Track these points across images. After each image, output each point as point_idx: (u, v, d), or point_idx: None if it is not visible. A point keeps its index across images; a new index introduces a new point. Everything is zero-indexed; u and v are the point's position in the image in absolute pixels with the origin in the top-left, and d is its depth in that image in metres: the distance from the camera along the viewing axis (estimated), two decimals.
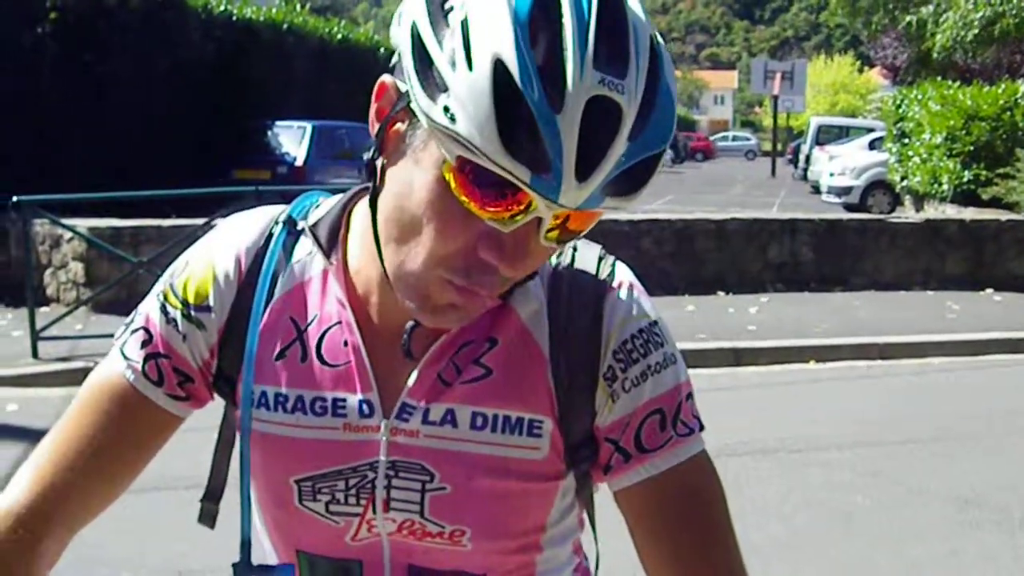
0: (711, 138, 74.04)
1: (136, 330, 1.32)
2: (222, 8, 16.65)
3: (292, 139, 16.24)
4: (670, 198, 26.31)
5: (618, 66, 1.00)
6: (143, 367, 1.30)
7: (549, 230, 1.06)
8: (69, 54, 13.02)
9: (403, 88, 1.07)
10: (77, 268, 10.44)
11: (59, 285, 10.71)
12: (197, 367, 1.31)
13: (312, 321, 1.27)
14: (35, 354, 8.57)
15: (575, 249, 1.30)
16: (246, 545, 1.33)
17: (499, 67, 0.97)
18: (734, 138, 78.62)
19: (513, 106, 0.97)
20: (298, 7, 20.10)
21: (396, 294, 1.15)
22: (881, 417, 7.38)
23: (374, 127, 1.13)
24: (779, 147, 44.20)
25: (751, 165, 55.32)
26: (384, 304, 1.22)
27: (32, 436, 6.62)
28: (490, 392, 1.23)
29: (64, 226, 9.72)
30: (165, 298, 1.31)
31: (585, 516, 1.39)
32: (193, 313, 1.29)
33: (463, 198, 1.03)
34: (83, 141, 12.93)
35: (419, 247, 1.09)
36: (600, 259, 1.30)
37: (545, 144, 0.97)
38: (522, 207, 1.02)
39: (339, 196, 1.32)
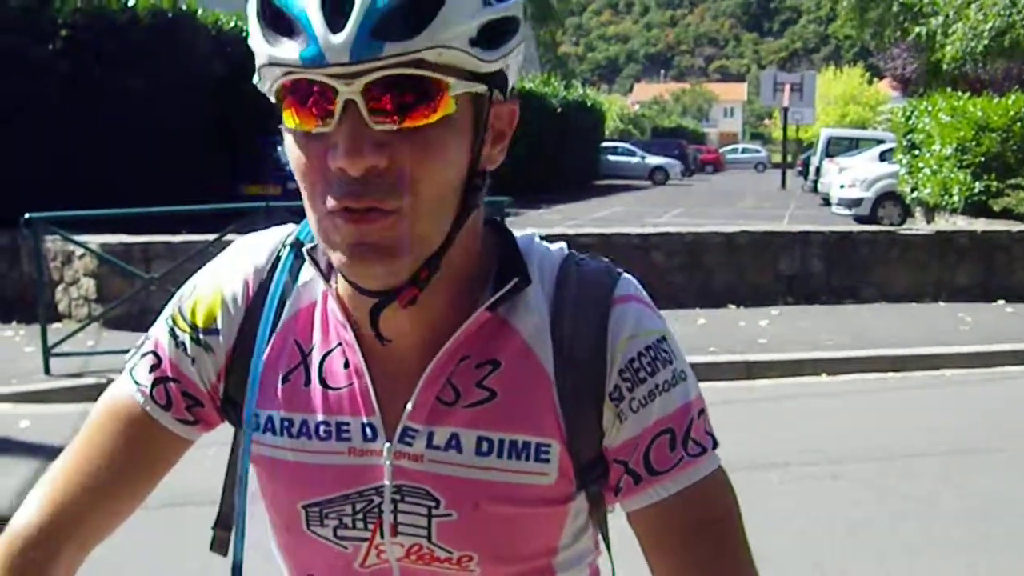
0: (720, 150, 74.07)
1: (145, 354, 1.32)
2: (232, 24, 16.68)
3: None
4: (679, 211, 26.33)
5: None
6: (152, 391, 1.29)
7: (370, 113, 1.02)
8: (79, 70, 13.06)
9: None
10: (89, 284, 10.47)
11: (71, 301, 10.74)
12: (206, 391, 1.30)
13: (315, 345, 1.26)
14: (47, 370, 8.59)
15: (579, 263, 1.26)
16: (237, 570, 1.33)
17: None
18: (744, 150, 78.64)
19: (267, 9, 1.04)
20: None
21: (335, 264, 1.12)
22: (894, 430, 7.35)
23: None
24: (789, 159, 44.16)
25: (761, 177, 55.27)
26: (387, 325, 1.18)
27: (44, 452, 6.65)
28: (495, 416, 1.20)
29: (76, 242, 9.76)
30: (174, 322, 1.31)
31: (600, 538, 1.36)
32: (202, 336, 1.29)
33: (291, 121, 1.07)
34: (94, 157, 12.96)
35: (305, 191, 1.10)
36: (606, 272, 1.26)
37: (293, 18, 1.01)
38: (328, 103, 1.03)
39: None
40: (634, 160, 46.90)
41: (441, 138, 1.05)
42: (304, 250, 1.24)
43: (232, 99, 15.71)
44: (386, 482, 1.22)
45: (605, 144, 45.64)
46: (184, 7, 15.19)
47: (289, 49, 1.01)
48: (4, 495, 5.87)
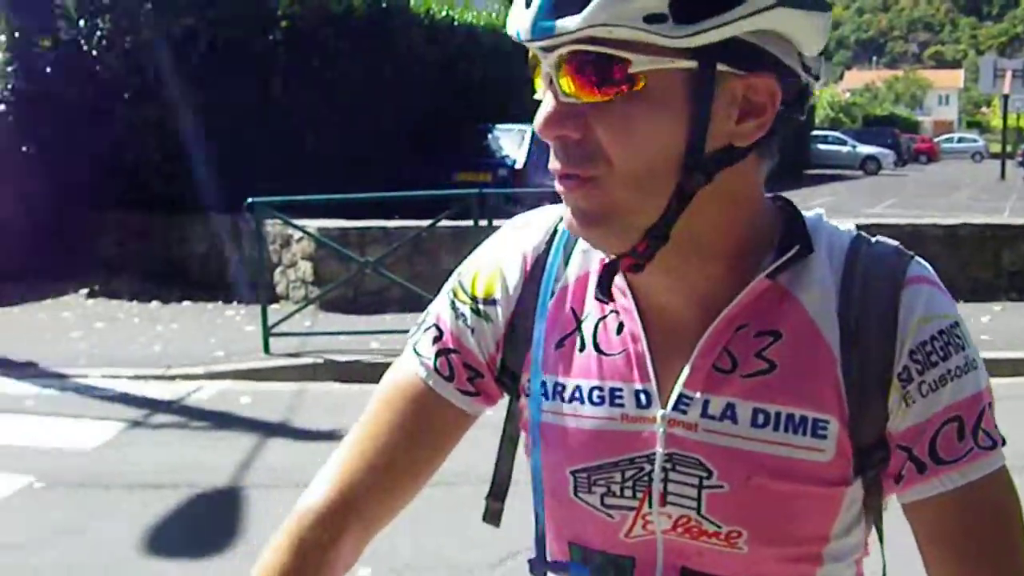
0: (935, 140, 71.65)
1: (428, 328, 1.35)
2: (444, 14, 16.93)
3: (512, 142, 16.39)
4: (893, 202, 25.60)
5: None
6: (435, 363, 1.32)
7: (560, 87, 1.07)
8: (299, 61, 13.45)
9: None
10: (306, 267, 10.79)
11: (288, 283, 11.09)
12: (484, 361, 1.32)
13: (590, 312, 1.26)
14: (266, 349, 8.89)
15: (870, 242, 1.23)
16: (541, 540, 1.32)
17: None
18: (960, 139, 75.89)
19: None
20: None
21: None
22: None
23: None
24: (1009, 149, 42.39)
25: (978, 168, 53.25)
26: (656, 292, 1.19)
27: (263, 428, 6.90)
28: (773, 388, 1.16)
29: (295, 226, 10.06)
30: (454, 295, 1.34)
31: (872, 538, 1.31)
32: (481, 307, 1.31)
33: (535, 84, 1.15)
34: (312, 145, 13.36)
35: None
36: (898, 253, 1.22)
37: None
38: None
39: None
40: (845, 149, 45.87)
41: (632, 113, 1.05)
42: None
43: (444, 88, 15.98)
44: (658, 450, 1.20)
45: (815, 133, 44.73)
46: None
47: (518, 21, 1.07)
48: (226, 467, 6.12)
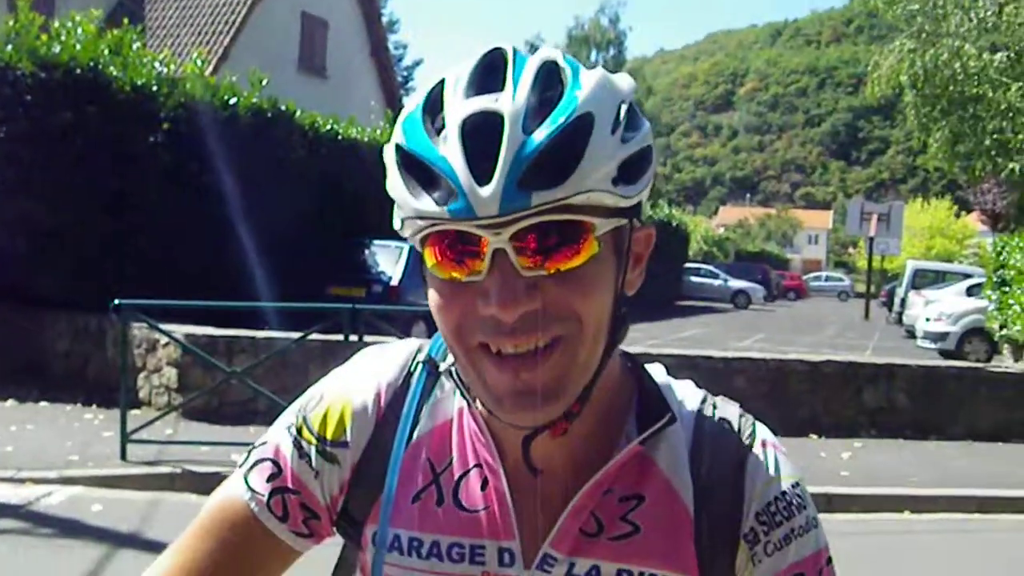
0: (804, 277, 73.67)
1: (263, 460, 1.29)
2: (328, 127, 17.01)
3: (389, 259, 16.39)
4: (761, 336, 26.11)
5: (492, 87, 1.06)
6: (268, 501, 1.27)
7: (520, 261, 1.04)
8: (179, 163, 13.35)
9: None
10: (171, 373, 10.57)
11: (152, 389, 10.84)
12: (324, 504, 1.28)
13: (449, 463, 1.25)
14: (124, 456, 8.62)
15: (715, 406, 1.28)
16: None
17: (399, 142, 1.09)
18: (827, 278, 78.36)
19: (407, 162, 1.07)
20: None
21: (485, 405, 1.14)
22: (977, 573, 7.11)
23: None
24: (873, 289, 43.76)
25: (844, 306, 54.83)
26: (519, 448, 1.17)
27: (114, 538, 6.66)
28: (638, 550, 1.19)
29: (161, 331, 9.86)
30: (299, 432, 1.29)
31: None
32: (329, 449, 1.27)
33: (435, 268, 1.08)
34: (185, 248, 13.19)
35: (453, 344, 1.12)
36: (740, 416, 1.28)
37: (438, 172, 1.02)
38: (477, 250, 1.04)
39: None
40: (717, 282, 46.84)
41: (591, 273, 1.07)
42: (448, 369, 1.23)
43: (323, 201, 15.98)
44: None
45: (688, 265, 45.64)
46: (283, 108, 15.48)
47: (435, 201, 1.03)
48: None
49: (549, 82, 1.06)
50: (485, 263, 1.04)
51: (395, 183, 1.08)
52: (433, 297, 1.10)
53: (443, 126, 1.05)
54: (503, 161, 1.00)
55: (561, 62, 1.09)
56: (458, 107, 1.04)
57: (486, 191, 0.99)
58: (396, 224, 1.12)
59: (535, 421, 1.09)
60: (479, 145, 1.01)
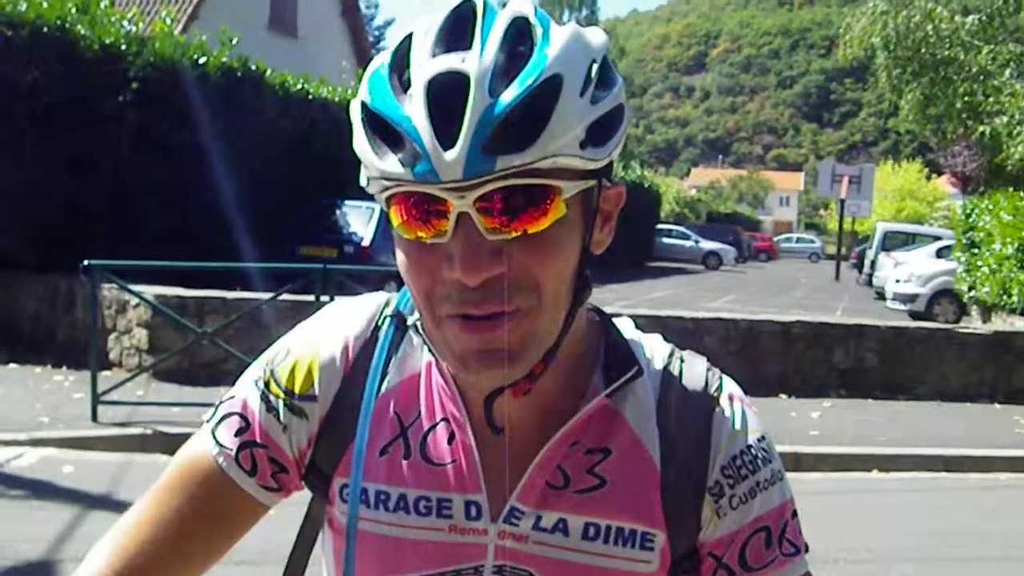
0: (775, 239, 73.92)
1: (230, 414, 1.29)
2: (299, 87, 16.89)
3: (360, 219, 16.33)
4: (732, 297, 26.21)
5: (459, 44, 1.04)
6: (237, 455, 1.27)
7: (485, 224, 1.03)
8: (148, 123, 13.23)
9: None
10: (141, 335, 10.53)
11: (122, 350, 10.80)
12: (293, 458, 1.28)
13: (416, 418, 1.25)
14: (94, 417, 8.60)
15: (682, 360, 1.29)
16: None
17: (362, 102, 1.07)
18: (798, 240, 78.61)
19: (372, 120, 1.05)
20: None
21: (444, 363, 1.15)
22: (946, 531, 7.19)
23: None
24: (844, 251, 43.96)
25: (814, 268, 55.06)
26: (499, 404, 1.17)
27: (85, 499, 6.65)
28: (604, 503, 1.20)
29: (131, 292, 9.81)
30: (267, 386, 1.28)
31: None
32: (296, 402, 1.26)
33: (403, 231, 1.07)
34: (156, 209, 13.08)
35: (418, 300, 1.11)
36: (707, 371, 1.29)
37: (402, 133, 1.01)
38: (441, 213, 1.03)
39: None
40: (688, 244, 46.92)
41: (556, 236, 1.06)
42: (412, 323, 1.24)
43: (294, 161, 15.88)
44: (487, 561, 1.21)
45: (660, 226, 45.70)
46: (253, 67, 15.35)
47: (399, 163, 1.02)
48: (43, 540, 5.88)
49: (518, 39, 1.05)
50: (450, 225, 1.03)
51: (360, 142, 1.07)
52: (400, 257, 1.10)
53: (409, 84, 1.03)
54: (468, 124, 0.98)
55: (532, 18, 1.07)
56: (425, 66, 1.03)
57: (450, 155, 0.99)
58: (363, 182, 1.11)
59: (498, 381, 1.10)
60: (444, 107, 0.99)
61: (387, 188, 1.06)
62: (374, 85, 1.06)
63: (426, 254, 1.06)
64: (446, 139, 0.99)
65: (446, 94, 1.00)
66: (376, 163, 1.04)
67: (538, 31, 1.06)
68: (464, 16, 1.06)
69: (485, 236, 1.03)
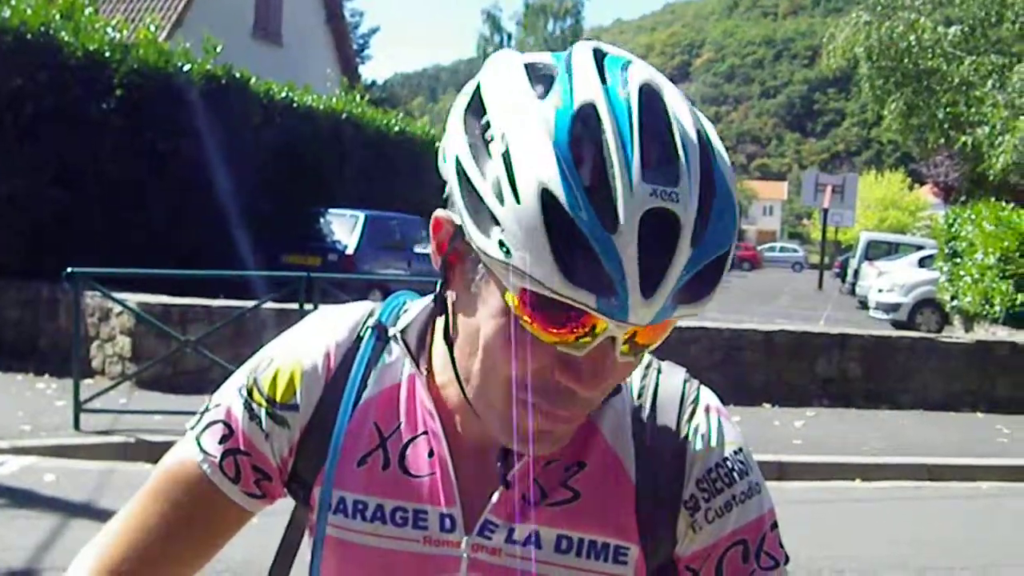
0: (758, 248, 74.10)
1: (215, 422, 1.29)
2: (284, 94, 16.85)
3: (344, 227, 16.33)
4: (715, 306, 26.18)
5: (668, 175, 0.97)
6: (220, 462, 1.27)
7: (623, 350, 1.03)
8: (132, 130, 13.20)
9: (457, 222, 1.06)
10: (124, 342, 10.49)
11: (105, 358, 10.76)
12: (276, 465, 1.28)
13: (396, 429, 1.25)
14: (76, 425, 8.57)
15: (659, 371, 1.29)
16: None
17: (546, 196, 0.95)
18: (781, 249, 78.80)
19: (567, 233, 0.95)
20: (357, 98, 20.33)
21: (484, 424, 1.14)
22: (929, 540, 7.21)
23: (436, 261, 1.12)
24: (826, 260, 44.07)
25: (798, 277, 55.20)
26: (469, 418, 1.19)
27: (67, 508, 6.61)
28: (577, 516, 1.21)
29: (114, 299, 9.78)
30: (249, 394, 1.28)
31: None
32: (278, 411, 1.27)
33: (530, 326, 1.01)
34: (140, 216, 13.05)
35: (497, 377, 1.07)
36: (685, 382, 1.28)
37: (605, 266, 0.95)
38: (587, 328, 0.99)
39: (427, 300, 1.30)
40: None
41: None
42: (396, 335, 1.25)
43: (278, 169, 15.85)
44: (461, 574, 1.22)
45: None
46: (238, 75, 15.32)
47: (586, 295, 0.96)
48: (25, 549, 5.84)
49: (704, 163, 1.01)
50: (593, 343, 1.01)
51: (537, 238, 0.96)
52: (492, 331, 1.06)
53: (615, 207, 0.94)
54: (671, 278, 0.97)
55: (707, 127, 1.05)
56: (636, 195, 0.95)
57: (647, 305, 0.96)
58: (488, 247, 1.00)
59: (532, 454, 1.12)
60: (653, 252, 0.95)
61: (532, 288, 0.98)
62: (570, 189, 0.95)
63: (538, 349, 1.03)
64: (648, 288, 0.96)
65: (657, 237, 0.95)
66: (556, 277, 0.96)
67: (720, 162, 1.04)
68: (659, 126, 1.00)
69: (618, 358, 1.03)
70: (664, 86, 1.03)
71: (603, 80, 1.00)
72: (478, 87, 1.05)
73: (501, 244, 0.97)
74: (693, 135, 1.01)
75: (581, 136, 0.97)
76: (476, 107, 1.04)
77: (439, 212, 1.10)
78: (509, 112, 1.00)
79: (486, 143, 1.01)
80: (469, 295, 1.08)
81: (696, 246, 0.98)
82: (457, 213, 1.04)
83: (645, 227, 0.94)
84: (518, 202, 0.96)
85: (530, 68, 1.04)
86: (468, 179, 1.01)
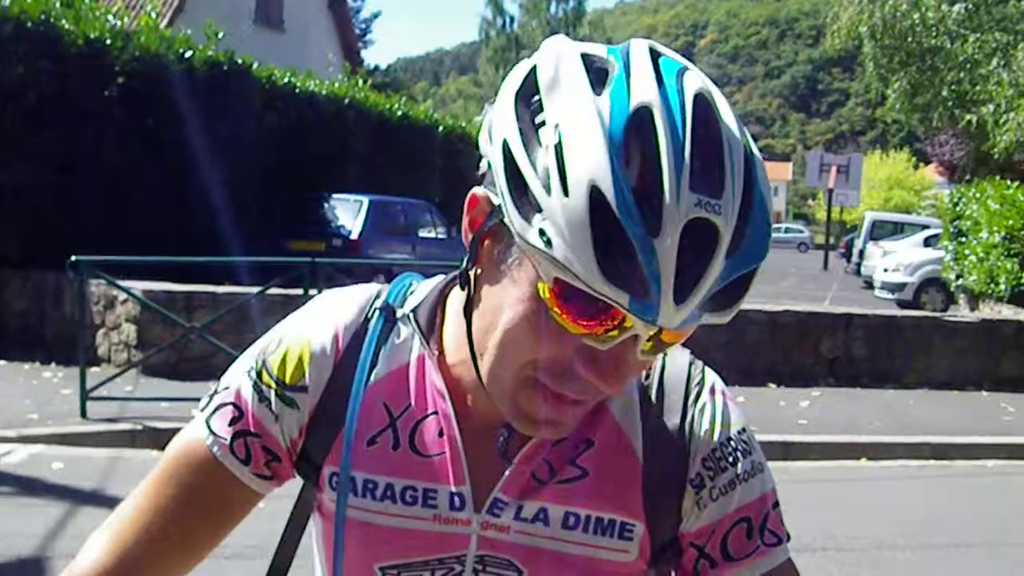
0: None
1: (225, 404, 1.30)
2: (286, 80, 16.83)
3: (348, 212, 16.32)
4: None
5: (714, 186, 0.99)
6: (231, 444, 1.28)
7: (644, 348, 1.05)
8: (134, 119, 13.20)
9: (495, 202, 1.06)
10: (130, 330, 10.51)
11: (111, 346, 10.78)
12: (285, 447, 1.29)
13: (406, 409, 1.26)
14: (83, 413, 8.60)
15: (665, 352, 1.26)
16: None
17: (595, 193, 0.96)
18: (787, 230, 78.52)
19: (610, 232, 0.96)
20: (360, 83, 20.31)
21: (494, 401, 1.15)
22: (933, 518, 7.22)
23: (467, 236, 1.13)
24: (832, 240, 43.99)
25: (803, 257, 55.07)
26: (479, 397, 1.21)
27: (75, 496, 6.63)
28: (585, 493, 1.23)
29: (119, 287, 9.80)
30: (259, 376, 1.29)
31: None
32: (288, 393, 1.28)
33: (559, 316, 1.02)
34: (143, 204, 13.07)
35: (512, 359, 1.09)
36: (690, 364, 1.31)
37: (643, 269, 0.96)
38: (615, 323, 1.00)
39: (434, 281, 1.31)
40: None
41: None
42: (407, 315, 1.27)
43: (281, 154, 15.84)
44: (471, 551, 1.24)
45: None
46: (239, 61, 15.30)
47: (621, 295, 0.97)
48: (33, 537, 5.87)
49: (747, 180, 1.02)
50: (619, 339, 1.02)
51: (581, 233, 0.97)
52: (516, 315, 1.07)
53: (660, 211, 0.96)
54: (704, 288, 0.99)
55: (750, 140, 1.06)
56: (684, 200, 0.96)
57: (677, 312, 0.98)
58: (528, 235, 1.01)
59: (543, 437, 1.17)
60: (691, 261, 0.97)
61: (569, 278, 0.99)
62: (617, 184, 0.96)
63: (563, 339, 1.04)
64: (681, 295, 0.97)
65: (696, 246, 0.97)
66: (593, 274, 0.97)
67: (759, 174, 1.05)
68: (709, 137, 1.01)
69: (638, 355, 1.05)
70: (717, 97, 1.05)
71: (659, 83, 1.02)
72: (533, 70, 1.05)
73: (542, 233, 0.98)
74: (740, 148, 1.03)
75: (635, 137, 0.98)
76: (529, 91, 1.04)
77: (477, 189, 1.11)
78: (565, 103, 1.00)
79: (536, 128, 1.02)
80: (498, 273, 1.09)
81: (731, 257, 1.00)
82: (497, 194, 1.04)
83: (686, 235, 0.96)
84: (566, 195, 0.96)
85: (586, 59, 1.04)
86: (515, 164, 1.01)
